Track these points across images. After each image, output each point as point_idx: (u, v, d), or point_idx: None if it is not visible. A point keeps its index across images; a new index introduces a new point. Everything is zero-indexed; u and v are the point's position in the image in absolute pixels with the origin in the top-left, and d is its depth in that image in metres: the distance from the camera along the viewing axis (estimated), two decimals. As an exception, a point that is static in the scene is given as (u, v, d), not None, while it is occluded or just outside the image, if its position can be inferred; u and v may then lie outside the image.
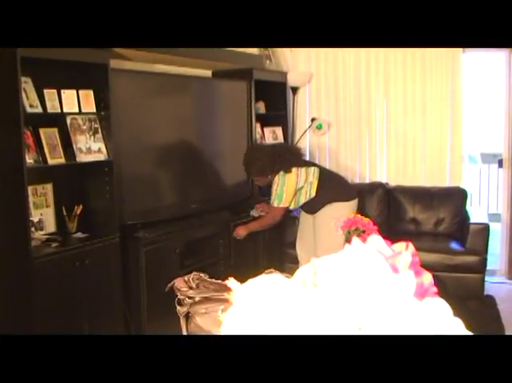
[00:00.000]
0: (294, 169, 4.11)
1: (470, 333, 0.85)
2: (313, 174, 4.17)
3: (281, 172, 4.10)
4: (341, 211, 3.95)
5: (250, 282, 0.97)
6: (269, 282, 0.92)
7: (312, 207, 4.19)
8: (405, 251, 0.98)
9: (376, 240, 0.98)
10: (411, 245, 1.01)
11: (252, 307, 0.89)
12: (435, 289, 0.97)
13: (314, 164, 4.42)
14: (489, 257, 4.77)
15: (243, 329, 0.90)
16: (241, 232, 4.36)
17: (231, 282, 0.95)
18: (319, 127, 5.55)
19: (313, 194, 4.15)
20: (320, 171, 4.25)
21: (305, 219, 4.39)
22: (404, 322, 0.80)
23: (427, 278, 0.98)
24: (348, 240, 0.98)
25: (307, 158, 5.81)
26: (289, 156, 4.17)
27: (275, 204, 4.15)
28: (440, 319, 0.80)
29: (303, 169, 4.15)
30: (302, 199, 4.17)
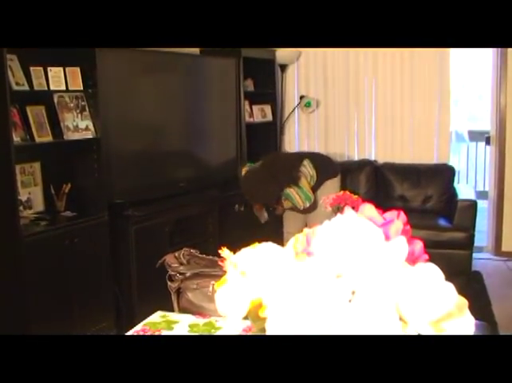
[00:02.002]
0: (299, 175, 4.11)
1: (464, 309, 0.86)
2: (309, 166, 4.17)
3: (288, 190, 4.05)
4: (328, 188, 4.01)
5: (243, 251, 0.97)
6: (263, 250, 0.93)
7: None
8: (397, 220, 0.98)
9: (367, 209, 0.98)
10: (402, 214, 1.01)
11: (246, 276, 0.90)
12: (426, 256, 0.97)
13: (303, 155, 4.41)
14: (476, 234, 4.81)
15: (238, 297, 0.90)
16: (280, 212, 4.36)
17: (224, 251, 0.95)
18: (307, 105, 5.54)
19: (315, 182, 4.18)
20: (312, 159, 4.23)
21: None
22: (397, 286, 0.81)
23: (418, 245, 0.99)
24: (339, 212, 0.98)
25: (296, 136, 5.82)
26: (284, 169, 4.14)
27: (307, 205, 4.10)
28: (433, 283, 0.81)
29: (302, 168, 4.14)
30: None
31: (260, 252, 0.94)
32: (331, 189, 3.95)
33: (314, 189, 4.16)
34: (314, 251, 0.88)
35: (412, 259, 0.96)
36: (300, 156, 4.36)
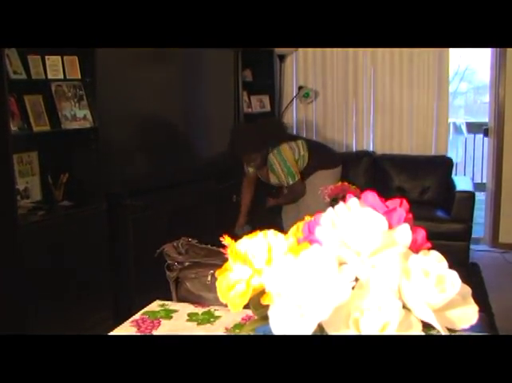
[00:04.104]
0: (285, 144, 4.11)
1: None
2: (302, 146, 4.17)
3: (275, 151, 4.09)
4: (327, 179, 3.99)
5: (246, 239, 0.97)
6: (265, 238, 0.92)
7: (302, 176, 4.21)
8: (399, 208, 0.97)
9: (370, 197, 0.97)
10: (405, 202, 1.01)
11: (249, 263, 0.90)
12: (428, 244, 0.97)
13: (299, 137, 4.44)
14: (473, 226, 4.82)
15: (240, 284, 0.90)
16: (271, 203, 4.42)
17: (226, 239, 0.95)
18: (306, 95, 5.53)
19: (305, 165, 4.17)
20: (307, 142, 4.27)
21: None
22: (401, 273, 0.81)
23: (421, 234, 0.98)
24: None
25: (294, 126, 5.81)
26: (275, 131, 4.17)
27: (291, 182, 4.13)
28: (437, 270, 0.80)
29: (293, 143, 4.16)
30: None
31: (262, 239, 0.94)
32: (330, 180, 3.95)
33: (303, 173, 4.16)
34: (317, 239, 0.87)
35: (415, 247, 0.96)
36: (298, 137, 4.38)
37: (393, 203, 1.02)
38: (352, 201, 0.92)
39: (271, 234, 0.96)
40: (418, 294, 0.81)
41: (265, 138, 4.09)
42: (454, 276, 0.81)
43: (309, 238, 0.96)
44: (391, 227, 0.93)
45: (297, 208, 4.25)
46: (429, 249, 0.94)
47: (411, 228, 0.97)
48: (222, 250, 0.95)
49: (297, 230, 1.04)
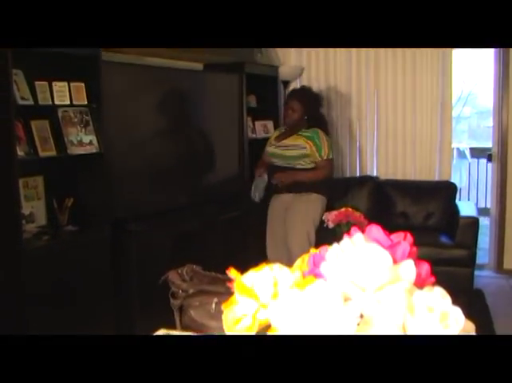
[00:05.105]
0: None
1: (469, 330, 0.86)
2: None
3: (323, 133, 4.26)
4: (316, 207, 4.14)
5: (251, 273, 0.97)
6: (270, 272, 0.93)
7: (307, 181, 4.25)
8: (403, 241, 0.98)
9: (374, 231, 0.98)
10: (408, 235, 1.02)
11: (255, 297, 0.90)
12: (432, 279, 0.97)
13: None
14: (478, 251, 4.80)
15: (247, 318, 0.90)
16: (285, 178, 4.26)
17: (231, 272, 0.95)
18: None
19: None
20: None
21: (276, 212, 4.40)
22: (407, 310, 0.81)
23: (425, 268, 0.99)
24: (346, 232, 0.98)
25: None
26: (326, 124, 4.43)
27: (331, 156, 4.23)
28: (441, 306, 0.81)
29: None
30: None
31: (268, 273, 0.95)
32: (318, 208, 4.11)
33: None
34: (323, 274, 0.88)
35: (419, 281, 0.96)
36: None
37: (397, 236, 1.03)
38: (357, 236, 0.93)
39: (277, 267, 0.97)
40: (422, 329, 0.81)
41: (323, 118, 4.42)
42: (458, 313, 0.82)
43: (315, 271, 0.97)
44: (395, 261, 0.94)
45: (282, 232, 4.25)
46: (433, 284, 0.95)
47: (415, 262, 0.98)
48: (228, 283, 0.95)
49: (302, 262, 1.05)
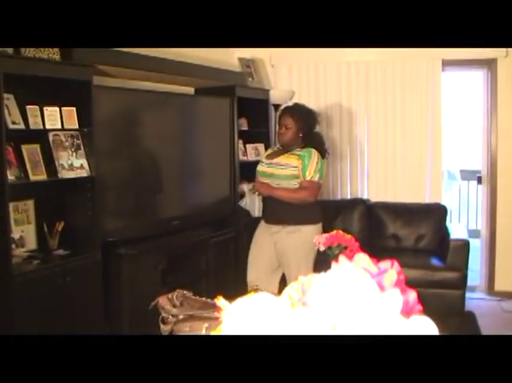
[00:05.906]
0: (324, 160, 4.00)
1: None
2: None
3: (317, 154, 3.90)
4: (310, 237, 3.48)
5: (239, 301, 0.97)
6: (258, 301, 0.93)
7: (288, 208, 3.90)
8: (391, 269, 0.99)
9: (362, 258, 0.99)
10: (396, 263, 1.02)
11: (243, 326, 0.90)
12: (419, 307, 0.98)
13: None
14: (469, 273, 4.81)
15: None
16: (264, 191, 3.95)
17: (220, 300, 0.96)
18: (300, 144, 5.58)
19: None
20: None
21: (262, 239, 4.06)
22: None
23: (412, 296, 0.99)
24: (334, 258, 0.99)
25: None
26: (322, 145, 4.11)
27: (316, 179, 3.83)
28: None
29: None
30: None
31: (256, 302, 0.95)
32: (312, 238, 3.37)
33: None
34: (310, 302, 0.88)
35: (407, 310, 0.97)
36: None
37: (385, 264, 1.04)
38: (345, 264, 0.94)
39: (264, 295, 0.97)
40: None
41: (320, 137, 4.12)
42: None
43: (302, 300, 0.97)
44: (382, 289, 0.95)
45: (267, 260, 4.02)
46: (421, 311, 0.96)
47: (403, 290, 0.98)
48: (216, 312, 0.95)
49: (291, 290, 1.05)
